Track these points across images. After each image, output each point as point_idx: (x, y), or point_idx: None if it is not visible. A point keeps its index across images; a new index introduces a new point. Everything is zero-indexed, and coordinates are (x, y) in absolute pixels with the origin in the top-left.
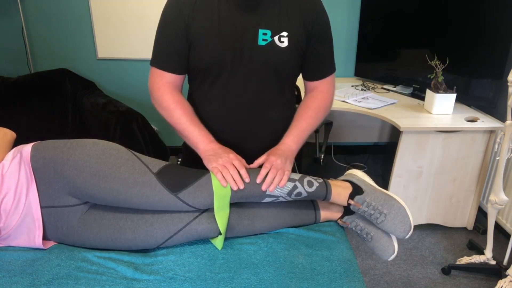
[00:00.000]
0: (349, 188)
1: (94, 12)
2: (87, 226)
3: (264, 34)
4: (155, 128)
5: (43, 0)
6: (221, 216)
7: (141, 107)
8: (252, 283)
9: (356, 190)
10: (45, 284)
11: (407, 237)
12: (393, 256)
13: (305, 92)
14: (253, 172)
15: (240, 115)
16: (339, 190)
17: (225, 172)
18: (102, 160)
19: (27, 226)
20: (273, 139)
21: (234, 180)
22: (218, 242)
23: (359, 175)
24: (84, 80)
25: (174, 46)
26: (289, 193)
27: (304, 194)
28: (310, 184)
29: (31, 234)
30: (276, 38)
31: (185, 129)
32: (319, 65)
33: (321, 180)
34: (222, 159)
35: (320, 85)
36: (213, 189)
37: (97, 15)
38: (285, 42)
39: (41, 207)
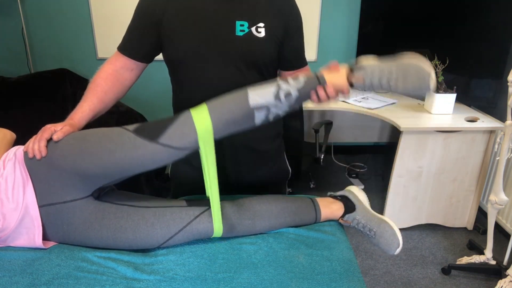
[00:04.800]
0: (344, 68)
1: (94, 12)
2: (88, 224)
3: (241, 25)
4: None
5: (43, 0)
6: (214, 191)
7: (141, 107)
8: (252, 283)
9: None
10: (45, 284)
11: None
12: (398, 250)
13: None
14: (238, 91)
15: None
16: (333, 74)
17: (31, 144)
18: (85, 139)
19: (26, 227)
20: (256, 129)
21: (33, 149)
22: (217, 227)
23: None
24: (84, 80)
25: (137, 32)
26: (276, 97)
27: (294, 92)
28: (296, 79)
29: (31, 234)
30: (253, 29)
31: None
32: (296, 56)
33: (309, 74)
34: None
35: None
36: (194, 124)
37: (97, 15)
38: (262, 33)
39: (39, 206)
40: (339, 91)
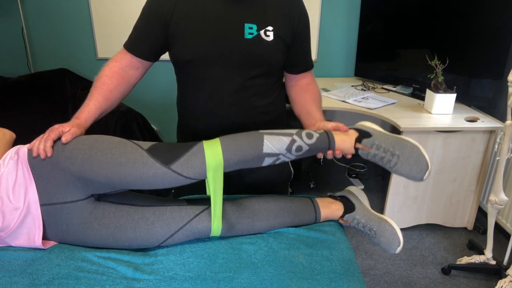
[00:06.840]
0: (354, 134)
1: (94, 12)
2: (88, 224)
3: (250, 28)
4: (155, 128)
5: (43, 0)
6: (217, 196)
7: (141, 107)
8: (252, 283)
9: (363, 134)
10: (45, 284)
11: (425, 177)
12: (399, 248)
13: (288, 85)
14: (253, 134)
15: (228, 107)
16: (343, 138)
17: (37, 143)
18: (95, 146)
19: (27, 226)
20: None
21: (38, 148)
22: (215, 226)
23: (367, 124)
24: (84, 80)
25: (144, 31)
26: (288, 148)
27: (305, 147)
28: (309, 136)
29: (31, 234)
30: (262, 32)
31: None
32: (304, 59)
33: (321, 131)
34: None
35: (304, 78)
36: (205, 158)
37: (97, 15)
38: (270, 36)
39: (41, 206)
40: (344, 153)
